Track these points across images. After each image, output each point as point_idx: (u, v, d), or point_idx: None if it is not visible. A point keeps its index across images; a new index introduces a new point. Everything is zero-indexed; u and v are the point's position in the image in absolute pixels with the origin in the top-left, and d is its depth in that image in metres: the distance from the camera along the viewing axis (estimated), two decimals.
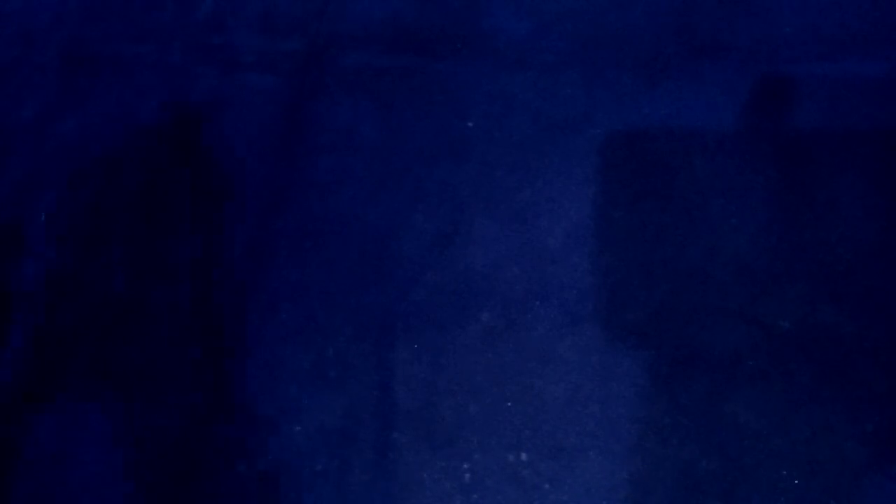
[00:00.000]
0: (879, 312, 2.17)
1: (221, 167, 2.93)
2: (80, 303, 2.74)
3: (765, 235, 2.34)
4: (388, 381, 2.37)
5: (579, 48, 2.83)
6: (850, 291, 2.21)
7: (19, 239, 2.97)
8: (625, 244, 2.42)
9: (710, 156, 2.50)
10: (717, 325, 2.23)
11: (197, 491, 2.34)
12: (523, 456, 2.19)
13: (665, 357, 2.22)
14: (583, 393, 2.23)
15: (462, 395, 2.30)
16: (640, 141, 2.58)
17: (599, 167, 2.58)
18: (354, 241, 2.64)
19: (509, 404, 2.26)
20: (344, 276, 2.58)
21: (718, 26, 2.73)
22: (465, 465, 2.21)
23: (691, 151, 2.52)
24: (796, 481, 2.01)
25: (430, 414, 2.29)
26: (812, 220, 2.33)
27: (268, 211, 2.78)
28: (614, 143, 2.60)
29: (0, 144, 3.24)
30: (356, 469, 2.27)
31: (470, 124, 2.77)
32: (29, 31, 3.60)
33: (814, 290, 2.23)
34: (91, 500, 2.40)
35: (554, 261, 2.45)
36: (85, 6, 3.58)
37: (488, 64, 2.88)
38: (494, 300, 2.42)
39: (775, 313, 2.22)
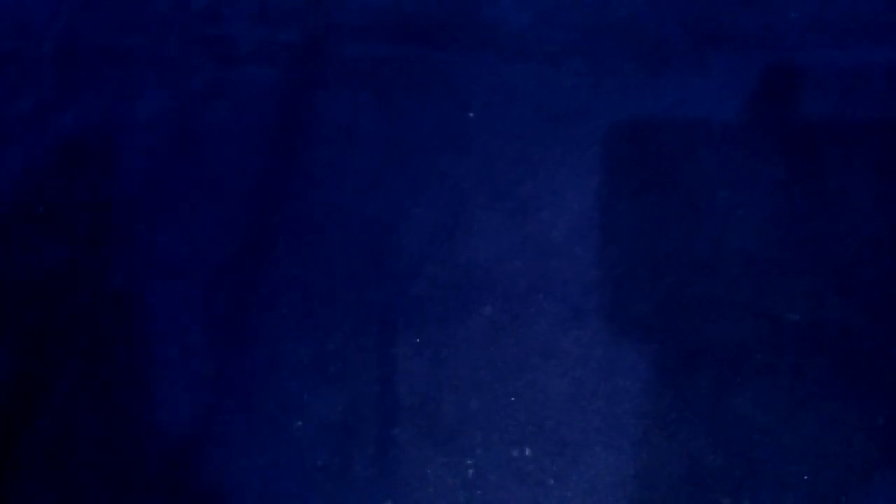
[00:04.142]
0: (889, 304, 2.14)
1: (219, 160, 2.90)
2: (77, 298, 2.72)
3: (772, 227, 2.31)
4: (390, 376, 2.35)
5: (581, 38, 2.80)
6: (859, 283, 2.18)
7: (17, 232, 2.94)
8: (629, 236, 2.39)
9: (715, 146, 2.47)
10: (724, 318, 2.21)
11: (198, 486, 2.32)
12: (527, 451, 2.17)
13: (671, 351, 2.20)
14: (587, 388, 2.21)
15: (464, 390, 2.28)
16: (644, 132, 2.56)
17: (602, 158, 2.55)
18: (354, 235, 2.62)
19: (512, 399, 2.24)
20: (344, 270, 2.56)
21: (723, 14, 2.70)
22: (468, 461, 2.19)
23: (696, 142, 2.49)
24: (805, 476, 1.99)
25: (432, 409, 2.27)
26: (820, 211, 2.30)
27: (266, 204, 2.75)
28: (617, 134, 2.58)
29: None
30: (357, 465, 2.25)
31: (471, 115, 2.74)
32: (25, 23, 3.57)
33: (822, 282, 2.21)
34: (91, 491, 2.38)
35: (557, 254, 2.42)
36: None
37: (489, 54, 2.85)
38: (496, 294, 2.40)
39: (783, 306, 2.19)
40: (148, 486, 2.36)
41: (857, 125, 2.40)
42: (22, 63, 3.43)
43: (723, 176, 2.42)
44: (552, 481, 2.12)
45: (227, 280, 2.63)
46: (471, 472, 2.18)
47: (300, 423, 2.35)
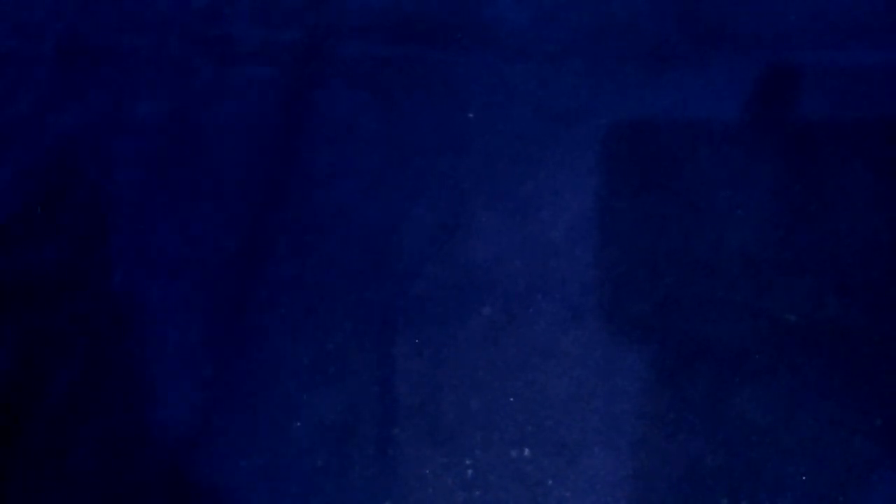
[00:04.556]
0: (887, 305, 2.14)
1: (220, 160, 2.90)
2: (77, 298, 2.72)
3: (771, 227, 2.31)
4: (389, 377, 2.35)
5: (581, 38, 2.79)
6: (858, 284, 2.18)
7: (17, 232, 2.94)
8: (628, 236, 2.39)
9: (714, 146, 2.47)
10: (723, 318, 2.21)
11: (198, 487, 2.32)
12: (526, 452, 2.17)
13: (670, 351, 2.20)
14: (586, 388, 2.21)
15: (464, 390, 2.28)
16: (644, 131, 2.55)
17: (602, 158, 2.55)
18: (354, 235, 2.62)
19: (512, 399, 2.24)
20: (344, 270, 2.56)
21: (723, 14, 2.69)
22: (467, 461, 2.19)
23: (696, 142, 2.49)
24: (804, 477, 1.99)
25: (432, 409, 2.27)
26: (819, 212, 2.30)
27: (267, 204, 2.75)
28: (617, 134, 2.57)
29: None
30: (357, 465, 2.25)
31: (471, 115, 2.74)
32: (25, 23, 3.57)
33: (821, 282, 2.20)
34: (89, 491, 2.39)
35: (556, 254, 2.42)
36: None
37: (489, 54, 2.85)
38: (496, 294, 2.40)
39: (782, 306, 2.19)
40: (147, 486, 2.36)
41: (856, 125, 2.40)
42: (22, 63, 3.43)
43: (723, 176, 2.42)
44: (551, 481, 2.12)
45: (226, 280, 2.63)
46: (470, 472, 2.18)
47: (299, 423, 2.35)
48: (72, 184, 3.01)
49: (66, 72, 3.34)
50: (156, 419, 2.45)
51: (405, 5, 3.05)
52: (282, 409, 2.37)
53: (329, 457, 2.28)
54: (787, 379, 2.10)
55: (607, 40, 2.76)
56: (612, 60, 2.72)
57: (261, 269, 2.62)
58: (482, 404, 2.25)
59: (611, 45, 2.75)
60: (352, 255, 2.58)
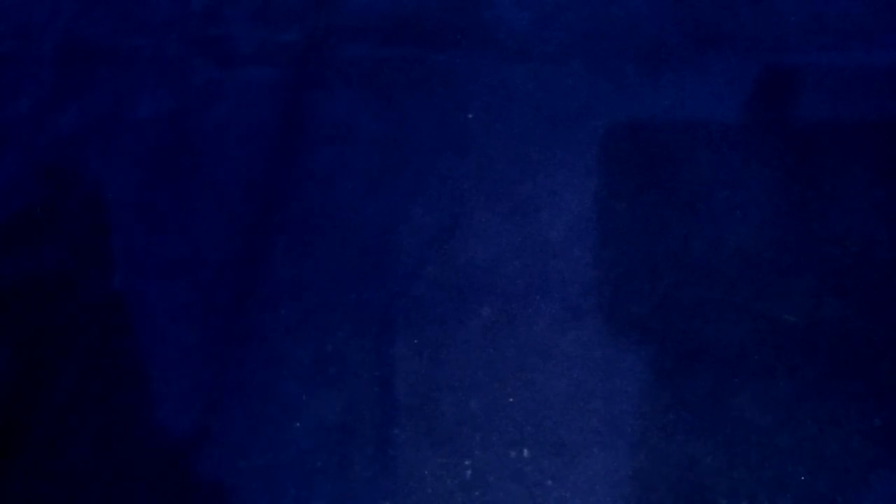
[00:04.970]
0: (886, 306, 2.14)
1: (219, 160, 2.90)
2: (77, 298, 2.72)
3: (770, 228, 2.31)
4: (388, 377, 2.35)
5: (580, 39, 2.79)
6: (857, 285, 2.18)
7: (17, 232, 2.94)
8: (627, 237, 2.39)
9: (713, 147, 2.47)
10: (722, 319, 2.21)
11: (198, 487, 2.32)
12: (525, 452, 2.17)
13: (669, 352, 2.20)
14: (585, 388, 2.21)
15: (463, 390, 2.28)
16: (643, 132, 2.56)
17: (601, 159, 2.55)
18: (353, 235, 2.62)
19: (511, 400, 2.24)
20: (343, 271, 2.56)
21: (722, 16, 2.70)
22: (467, 462, 2.19)
23: (695, 143, 2.49)
24: (803, 477, 1.99)
25: (431, 410, 2.27)
26: (818, 213, 2.30)
27: (266, 204, 2.75)
28: (616, 135, 2.57)
29: None
30: (356, 465, 2.25)
31: (470, 116, 2.74)
32: (25, 23, 3.57)
33: (820, 283, 2.21)
34: (90, 491, 2.39)
35: (555, 254, 2.42)
36: None
37: (489, 55, 2.85)
38: (495, 294, 2.40)
39: (781, 307, 2.19)
40: (147, 486, 2.36)
41: (854, 127, 2.40)
42: (22, 63, 3.43)
43: (721, 177, 2.42)
44: (550, 482, 2.12)
45: (226, 280, 2.63)
46: (469, 472, 2.18)
47: (299, 423, 2.35)
48: (72, 184, 3.01)
49: (66, 72, 3.34)
50: (156, 419, 2.45)
51: (405, 6, 3.05)
52: (282, 409, 2.37)
53: (329, 457, 2.28)
54: (786, 379, 2.11)
55: (607, 41, 2.76)
56: (611, 61, 2.72)
57: (261, 269, 2.62)
58: (481, 405, 2.25)
59: (611, 46, 2.75)
60: (351, 256, 2.58)
